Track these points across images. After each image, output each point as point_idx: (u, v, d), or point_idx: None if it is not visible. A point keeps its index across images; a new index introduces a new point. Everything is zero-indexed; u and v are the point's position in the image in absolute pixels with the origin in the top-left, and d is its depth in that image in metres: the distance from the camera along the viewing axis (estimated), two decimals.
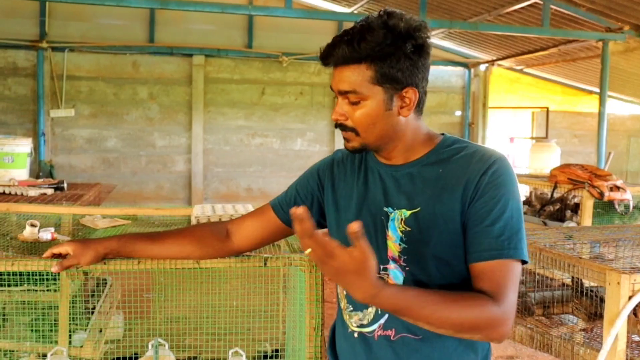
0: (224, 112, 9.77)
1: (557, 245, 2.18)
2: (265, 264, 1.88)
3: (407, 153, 1.52)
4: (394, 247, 1.48)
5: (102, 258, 1.77)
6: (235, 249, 1.81)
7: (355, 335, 1.56)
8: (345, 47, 1.41)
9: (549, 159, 5.98)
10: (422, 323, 1.34)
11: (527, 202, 5.32)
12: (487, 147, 1.52)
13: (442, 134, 1.57)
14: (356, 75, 1.43)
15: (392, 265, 1.49)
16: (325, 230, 1.68)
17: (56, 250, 1.77)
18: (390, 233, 1.49)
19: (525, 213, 5.21)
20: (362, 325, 1.54)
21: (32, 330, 3.75)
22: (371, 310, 1.52)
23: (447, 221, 1.44)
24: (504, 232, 1.40)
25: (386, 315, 1.50)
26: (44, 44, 8.97)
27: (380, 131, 1.48)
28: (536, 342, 2.09)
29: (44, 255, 1.79)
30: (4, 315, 3.74)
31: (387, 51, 1.41)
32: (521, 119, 11.07)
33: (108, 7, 8.67)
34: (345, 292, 1.57)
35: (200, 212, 2.73)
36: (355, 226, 1.17)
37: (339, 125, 1.50)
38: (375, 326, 1.52)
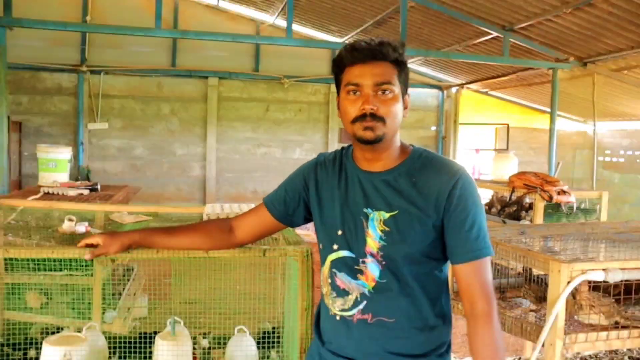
0: (234, 125, 9.77)
1: (512, 240, 2.19)
2: (264, 254, 1.89)
3: (387, 160, 1.53)
4: (373, 244, 1.48)
5: (127, 248, 1.78)
6: (238, 242, 1.81)
7: (337, 318, 1.55)
8: (386, 48, 1.45)
9: (508, 168, 5.98)
10: None
11: (490, 204, 5.33)
12: (449, 160, 1.54)
13: (412, 145, 1.58)
14: (390, 70, 1.45)
15: (369, 259, 1.49)
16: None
17: (88, 241, 1.78)
18: (370, 231, 1.49)
19: (487, 213, 5.23)
20: (343, 310, 1.54)
21: (71, 309, 3.75)
22: (351, 297, 1.52)
23: (422, 225, 1.45)
24: (479, 236, 1.45)
25: (365, 302, 1.51)
26: (84, 68, 8.98)
27: (396, 125, 1.49)
28: None
29: (79, 245, 1.80)
30: (48, 295, 3.74)
31: (403, 59, 1.48)
32: (486, 133, 11.09)
33: (137, 37, 8.69)
34: (329, 280, 1.57)
35: (211, 210, 2.74)
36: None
37: (370, 115, 1.44)
38: (354, 311, 1.52)
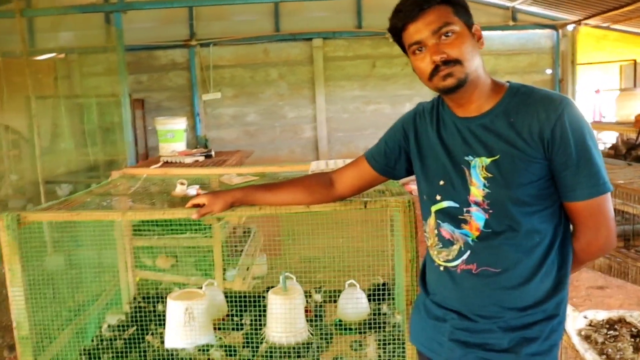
0: (342, 85, 9.75)
1: (635, 182, 2.01)
2: (365, 206, 1.87)
3: (479, 102, 1.44)
4: (477, 192, 1.42)
5: (230, 206, 1.83)
6: (339, 195, 1.81)
7: (442, 269, 1.52)
8: None
9: (634, 107, 5.46)
10: None
11: (614, 147, 4.94)
12: (550, 92, 1.41)
13: (508, 82, 1.48)
14: (442, 12, 1.38)
15: (474, 208, 1.43)
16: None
17: (195, 201, 1.85)
18: (473, 179, 1.42)
19: (613, 157, 4.83)
20: (447, 260, 1.50)
21: (195, 269, 4.00)
22: (455, 248, 1.48)
23: (526, 167, 1.37)
24: (596, 170, 1.35)
25: (468, 252, 1.45)
26: (194, 42, 9.33)
27: (476, 61, 1.41)
28: (614, 270, 1.95)
29: (187, 206, 1.88)
30: (175, 256, 4.00)
31: None
32: (610, 73, 10.21)
33: (241, 6, 8.93)
34: (436, 231, 1.53)
35: (316, 167, 2.75)
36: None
37: (443, 63, 1.38)
38: (458, 261, 1.48)
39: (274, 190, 1.84)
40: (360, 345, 2.28)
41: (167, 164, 4.33)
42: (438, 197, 1.50)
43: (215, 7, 8.90)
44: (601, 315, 2.29)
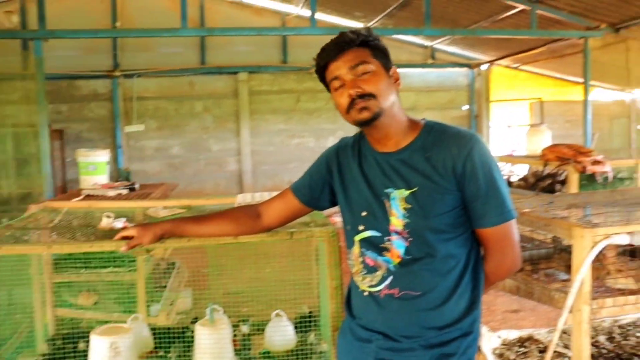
0: (267, 118, 9.86)
1: (537, 210, 2.19)
2: (291, 236, 1.94)
3: (397, 138, 1.56)
4: (397, 222, 1.53)
5: (160, 238, 1.84)
6: (266, 226, 1.87)
7: (366, 294, 1.60)
8: (348, 36, 1.53)
9: (541, 141, 5.87)
10: None
11: (524, 179, 5.27)
12: (461, 129, 1.57)
13: (423, 119, 1.61)
14: (360, 53, 1.52)
15: (394, 237, 1.54)
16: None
17: (123, 233, 1.85)
18: (393, 210, 1.53)
19: (522, 188, 5.16)
20: (371, 286, 1.59)
21: (118, 304, 3.88)
22: (379, 274, 1.57)
23: (442, 198, 1.49)
24: (502, 199, 1.50)
25: (391, 277, 1.55)
26: (117, 73, 9.20)
27: (390, 98, 1.53)
28: (521, 291, 2.11)
29: (115, 238, 1.87)
30: (96, 292, 3.87)
31: (369, 39, 1.54)
32: (519, 110, 10.89)
33: (167, 38, 8.90)
34: (360, 259, 1.61)
35: (242, 200, 2.80)
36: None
37: (358, 97, 1.50)
38: (382, 286, 1.57)
39: (202, 222, 1.87)
40: None
41: (89, 197, 4.23)
42: (361, 227, 1.59)
43: (140, 39, 8.86)
44: (513, 334, 2.45)
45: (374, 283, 1.58)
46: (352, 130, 1.76)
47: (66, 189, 8.52)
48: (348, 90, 1.51)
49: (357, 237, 1.61)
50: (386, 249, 1.55)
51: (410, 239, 1.51)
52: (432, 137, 1.55)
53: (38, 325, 2.92)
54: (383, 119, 1.52)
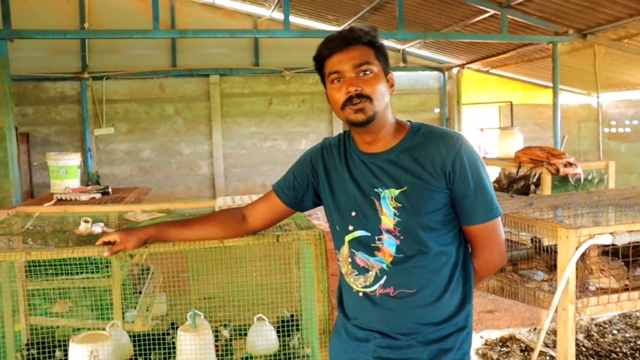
0: (239, 121, 9.81)
1: (520, 211, 2.22)
2: (277, 240, 1.92)
3: (385, 140, 1.58)
4: (388, 221, 1.54)
5: (144, 243, 1.81)
6: (251, 229, 1.85)
7: (360, 294, 1.61)
8: (357, 32, 1.53)
9: (513, 144, 5.98)
10: None
11: (497, 181, 5.34)
12: (447, 130, 1.61)
13: (409, 121, 1.63)
14: (366, 52, 1.53)
15: (385, 236, 1.55)
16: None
17: (106, 238, 1.81)
18: (383, 209, 1.54)
19: (495, 189, 5.24)
20: (365, 286, 1.59)
21: (93, 310, 3.81)
22: (371, 274, 1.58)
23: (431, 196, 1.51)
24: (489, 197, 1.54)
25: (385, 277, 1.56)
26: (86, 75, 9.05)
27: (385, 102, 1.55)
28: (506, 292, 2.13)
29: (97, 243, 1.83)
30: (71, 299, 3.78)
31: (376, 41, 1.55)
32: (490, 113, 11.08)
33: (136, 40, 8.78)
34: (350, 259, 1.62)
35: (222, 203, 2.77)
36: None
37: (355, 97, 1.50)
38: (376, 286, 1.57)
39: (187, 226, 1.85)
40: None
41: (61, 201, 4.14)
42: (350, 227, 1.59)
43: (109, 40, 8.72)
44: (495, 334, 2.48)
45: (367, 283, 1.59)
46: (325, 133, 1.76)
47: (34, 193, 8.33)
48: (347, 87, 1.51)
49: (347, 238, 1.61)
50: (377, 249, 1.56)
51: (402, 237, 1.53)
52: (419, 137, 1.57)
53: (8, 334, 2.84)
54: (375, 122, 1.54)
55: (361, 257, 1.58)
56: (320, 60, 1.59)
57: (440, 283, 1.55)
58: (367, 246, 1.57)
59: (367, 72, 1.52)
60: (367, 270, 1.58)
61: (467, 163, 1.51)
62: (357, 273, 1.60)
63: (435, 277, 1.55)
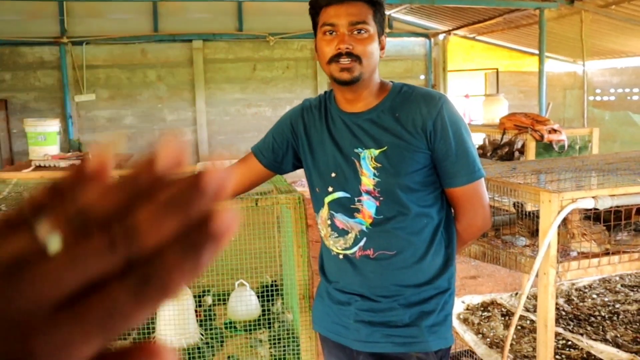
0: (222, 87, 9.68)
1: (503, 176, 2.20)
2: (256, 204, 1.89)
3: (368, 99, 1.54)
4: (368, 181, 1.51)
5: None
6: (230, 193, 1.81)
7: (340, 257, 1.59)
8: None
9: (498, 111, 5.96)
10: None
11: (482, 147, 5.33)
12: (429, 90, 1.58)
13: (391, 82, 1.59)
14: (365, 10, 1.47)
15: (365, 197, 1.52)
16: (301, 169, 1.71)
17: None
18: (363, 170, 1.51)
19: (480, 156, 5.23)
20: (345, 249, 1.57)
21: None
22: (351, 236, 1.55)
23: (412, 156, 1.48)
24: (472, 158, 1.51)
25: (364, 239, 1.53)
26: (65, 40, 8.82)
27: (373, 65, 1.50)
28: (487, 257, 2.13)
29: None
30: None
31: (378, 0, 1.50)
32: (475, 80, 11.04)
33: (117, 3, 8.57)
34: (329, 222, 1.59)
35: (203, 167, 2.72)
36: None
37: (345, 54, 1.45)
38: (355, 248, 1.55)
39: None
40: (261, 342, 2.30)
41: (39, 168, 4.06)
42: (330, 189, 1.57)
43: (89, 4, 8.49)
44: (476, 299, 2.49)
45: (347, 245, 1.57)
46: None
47: (13, 160, 8.20)
48: (338, 44, 1.46)
49: (327, 199, 1.59)
50: (357, 210, 1.54)
51: (381, 199, 1.50)
52: (401, 97, 1.54)
53: None
54: (360, 83, 1.50)
55: (340, 219, 1.56)
56: (315, 8, 1.52)
57: (421, 245, 1.53)
58: (347, 208, 1.54)
59: (362, 32, 1.47)
60: (347, 232, 1.56)
61: (449, 123, 1.48)
62: (336, 235, 1.58)
63: (416, 239, 1.53)
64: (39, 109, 8.88)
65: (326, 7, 1.48)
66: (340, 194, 1.55)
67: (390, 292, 1.54)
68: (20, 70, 8.88)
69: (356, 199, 1.53)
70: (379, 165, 1.49)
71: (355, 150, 1.52)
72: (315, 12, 1.53)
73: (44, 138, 4.94)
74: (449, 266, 1.58)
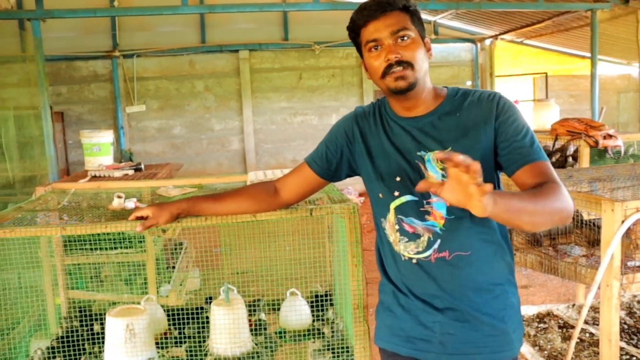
0: (269, 96, 9.78)
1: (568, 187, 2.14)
2: (310, 213, 1.89)
3: (426, 104, 1.54)
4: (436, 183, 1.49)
5: (176, 217, 1.80)
6: (284, 202, 1.82)
7: (414, 261, 1.55)
8: None
9: (549, 116, 5.82)
10: (528, 216, 1.30)
11: None
12: (483, 90, 1.57)
13: (445, 87, 1.59)
14: (402, 17, 1.48)
15: (434, 199, 1.49)
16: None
17: (139, 213, 1.80)
18: (429, 172, 1.50)
19: None
20: (418, 252, 1.54)
21: (127, 285, 3.87)
22: (424, 239, 1.53)
23: (478, 152, 1.47)
24: (533, 142, 1.47)
25: (438, 241, 1.51)
26: (117, 53, 9.11)
27: (425, 68, 1.51)
28: (545, 266, 2.07)
29: (130, 218, 1.83)
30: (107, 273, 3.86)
31: (411, 5, 1.51)
32: (524, 85, 10.82)
33: (166, 17, 8.78)
34: (397, 227, 1.56)
35: (254, 177, 2.74)
36: (439, 154, 1.18)
37: (395, 64, 1.45)
38: (430, 251, 1.52)
39: (219, 200, 1.83)
40: (313, 351, 2.30)
41: (95, 178, 4.19)
42: (396, 193, 1.55)
43: (139, 18, 8.74)
44: (531, 310, 2.42)
45: (420, 249, 1.54)
46: (354, 108, 1.73)
47: (69, 171, 8.48)
48: (387, 55, 1.47)
49: (393, 204, 1.56)
50: (427, 212, 1.52)
51: None
52: (459, 99, 1.55)
53: (50, 307, 2.90)
54: (417, 88, 1.50)
55: (410, 223, 1.54)
56: (355, 30, 1.53)
57: (491, 246, 1.52)
58: (417, 211, 1.53)
59: (405, 38, 1.47)
60: (418, 236, 1.53)
61: (509, 114, 1.48)
62: (407, 240, 1.55)
63: (489, 237, 1.52)
64: (92, 121, 9.17)
65: (365, 26, 1.50)
66: (407, 198, 1.54)
67: (465, 294, 1.52)
68: (75, 84, 9.19)
69: (425, 201, 1.51)
70: (445, 165, 1.48)
71: (419, 154, 1.52)
72: (355, 34, 1.54)
73: (99, 149, 5.10)
74: (512, 272, 1.58)
